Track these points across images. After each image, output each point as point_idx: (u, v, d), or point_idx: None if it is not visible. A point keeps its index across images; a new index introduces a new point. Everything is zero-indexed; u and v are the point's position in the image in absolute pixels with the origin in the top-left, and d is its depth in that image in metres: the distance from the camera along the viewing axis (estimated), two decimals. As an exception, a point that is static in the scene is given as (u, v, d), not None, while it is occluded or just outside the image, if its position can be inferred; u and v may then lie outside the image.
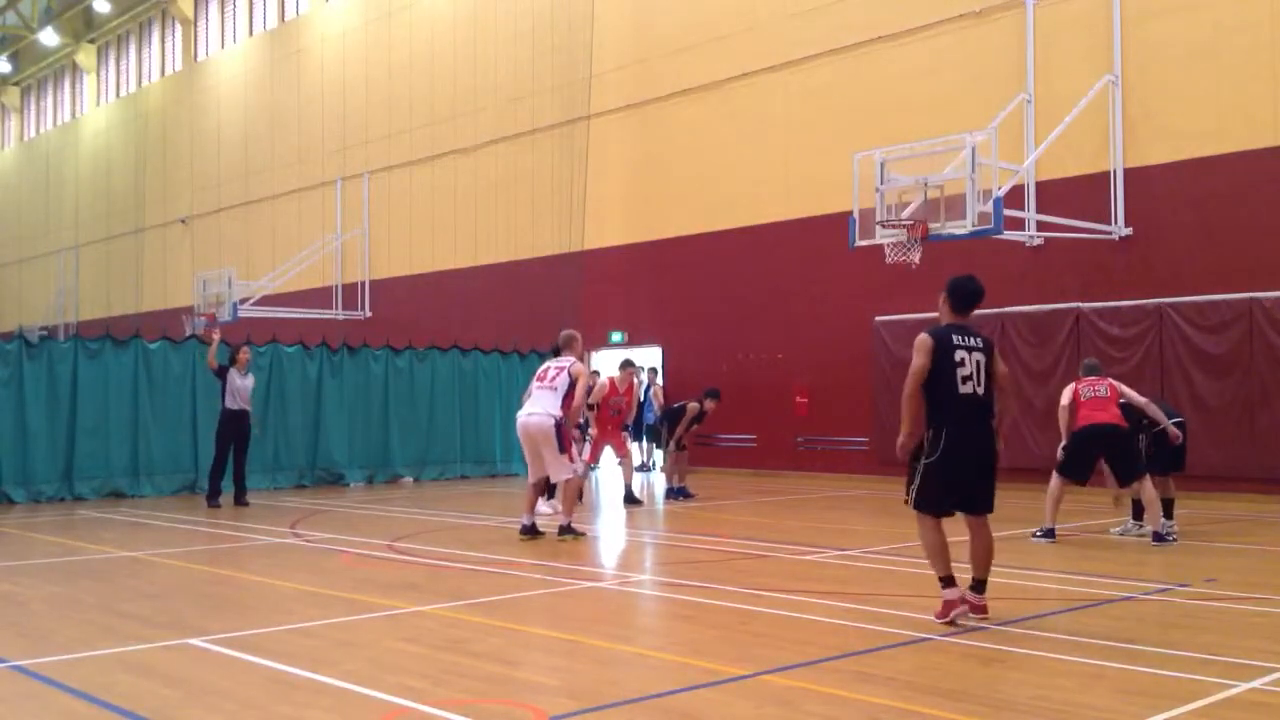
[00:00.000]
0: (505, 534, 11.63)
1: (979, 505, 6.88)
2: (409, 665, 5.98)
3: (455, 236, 26.75)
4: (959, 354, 6.74)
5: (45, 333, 35.37)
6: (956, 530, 6.97)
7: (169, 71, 38.96)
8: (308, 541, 11.47)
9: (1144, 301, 15.47)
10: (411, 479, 19.55)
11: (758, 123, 20.53)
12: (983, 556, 6.89)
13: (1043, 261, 16.63)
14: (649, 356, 21.91)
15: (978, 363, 6.79)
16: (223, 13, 36.38)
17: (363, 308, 28.18)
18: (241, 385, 15.07)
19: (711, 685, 5.46)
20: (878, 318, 18.32)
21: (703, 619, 7.15)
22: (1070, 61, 16.42)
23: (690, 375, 20.75)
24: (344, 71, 30.29)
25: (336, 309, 28.24)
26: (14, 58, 47.41)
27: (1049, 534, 10.73)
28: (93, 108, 43.25)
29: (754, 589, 7.98)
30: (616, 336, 23.05)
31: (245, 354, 15.40)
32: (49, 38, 42.74)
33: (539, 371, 11.53)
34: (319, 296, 28.77)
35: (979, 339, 6.90)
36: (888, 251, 14.96)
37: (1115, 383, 11.14)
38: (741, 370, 20.31)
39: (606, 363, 23.42)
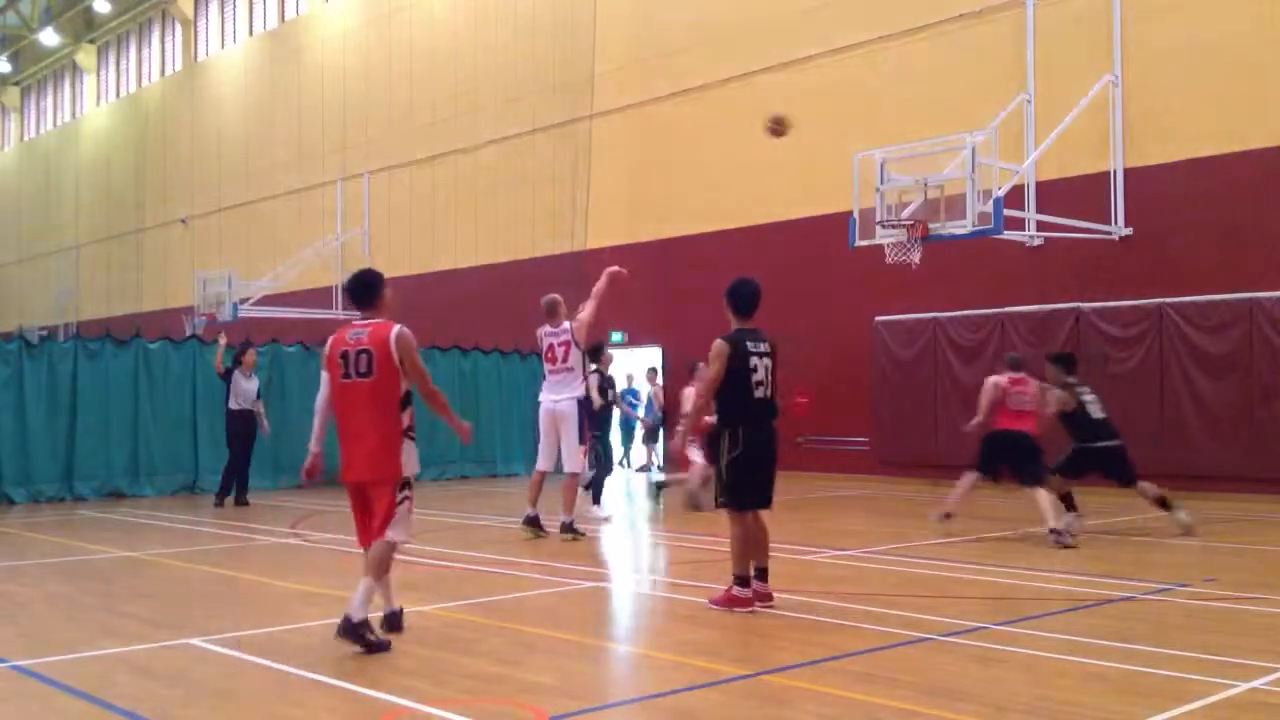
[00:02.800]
0: (505, 534, 11.63)
1: (768, 501, 7.36)
2: (409, 665, 5.98)
3: (455, 236, 26.75)
4: (752, 360, 7.14)
5: (45, 333, 35.40)
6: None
7: (169, 71, 38.96)
8: (308, 541, 11.47)
9: (1144, 301, 15.47)
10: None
11: (758, 123, 20.48)
12: (764, 546, 7.36)
13: (1043, 261, 16.62)
14: (649, 356, 21.90)
15: (766, 367, 7.21)
16: (223, 13, 36.39)
17: (363, 308, 28.15)
18: (246, 387, 15.12)
19: (711, 685, 5.46)
20: (878, 318, 18.32)
21: (703, 619, 7.14)
22: (1070, 61, 16.41)
23: (690, 376, 20.72)
24: (344, 72, 30.29)
25: (336, 309, 28.21)
26: (14, 58, 47.43)
27: (947, 517, 11.69)
28: (93, 108, 43.25)
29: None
30: (616, 336, 23.04)
31: (252, 356, 15.40)
32: (49, 38, 42.75)
33: (545, 352, 11.20)
34: (319, 296, 28.74)
35: (767, 343, 7.29)
36: (888, 251, 14.96)
37: (1038, 388, 11.51)
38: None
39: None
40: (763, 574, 7.33)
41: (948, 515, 11.72)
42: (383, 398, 6.35)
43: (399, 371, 6.37)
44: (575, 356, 10.98)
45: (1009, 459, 11.32)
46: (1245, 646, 6.12)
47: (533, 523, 11.18)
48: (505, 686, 5.48)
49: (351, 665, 5.90)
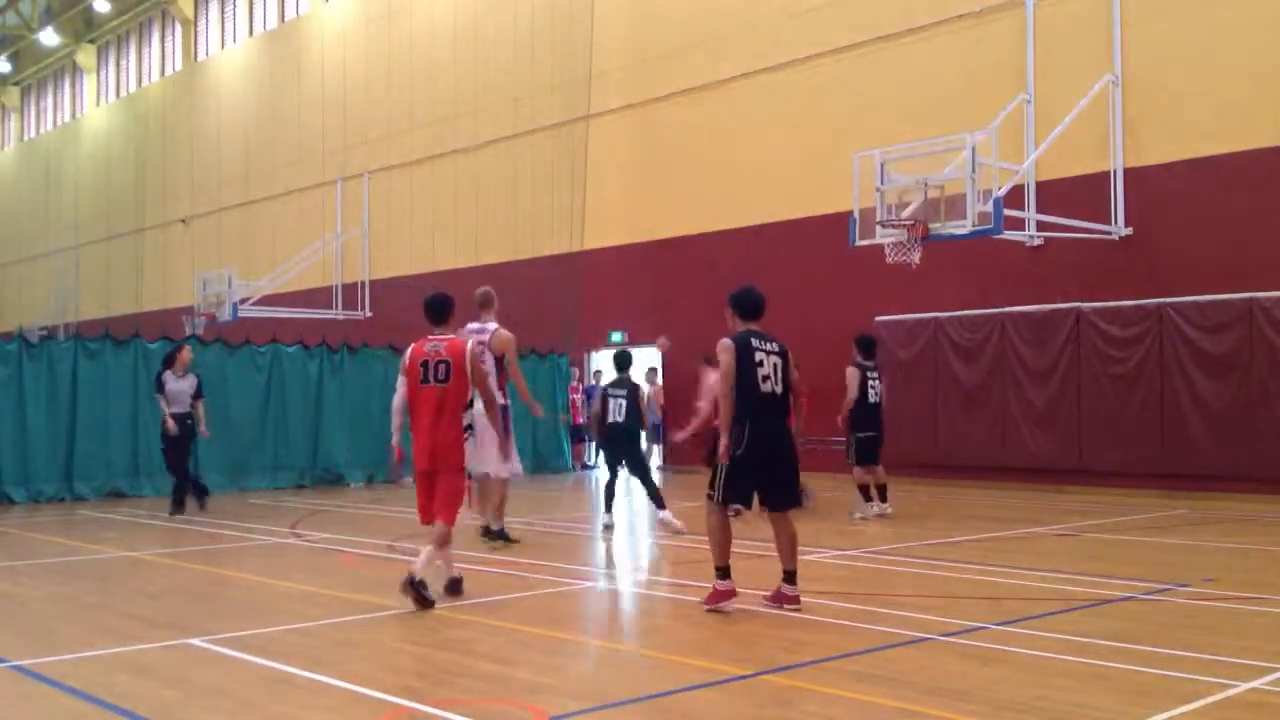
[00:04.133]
0: (505, 534, 11.60)
1: (780, 500, 7.35)
2: (409, 665, 5.98)
3: (455, 236, 26.74)
4: (758, 355, 7.22)
5: (45, 333, 35.35)
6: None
7: (169, 71, 38.96)
8: (308, 541, 11.48)
9: (1144, 301, 15.46)
10: (412, 479, 19.51)
11: (758, 123, 20.51)
12: (789, 548, 7.32)
13: (1043, 261, 16.62)
14: (649, 356, 21.87)
15: (775, 365, 7.28)
16: (223, 13, 36.39)
17: (363, 308, 28.17)
18: (176, 389, 14.09)
19: (711, 685, 5.46)
20: (878, 318, 18.30)
21: (703, 619, 7.14)
22: (1070, 61, 16.41)
23: (690, 375, 20.71)
24: (344, 71, 30.28)
25: (336, 309, 28.23)
26: (14, 58, 47.43)
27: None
28: (93, 108, 43.24)
29: (754, 589, 7.98)
30: (616, 336, 23.03)
31: (186, 354, 14.39)
32: (49, 38, 42.75)
33: None
34: (319, 296, 28.75)
35: (776, 344, 7.37)
36: (888, 251, 14.96)
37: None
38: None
39: (607, 363, 23.40)
40: (790, 577, 7.31)
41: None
42: (454, 401, 7.55)
43: (469, 380, 7.58)
44: (491, 360, 10.22)
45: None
46: (1245, 646, 6.12)
47: (497, 535, 10.56)
48: (505, 686, 5.48)
49: (351, 665, 5.91)
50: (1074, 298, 16.17)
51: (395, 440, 7.99)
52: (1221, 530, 11.75)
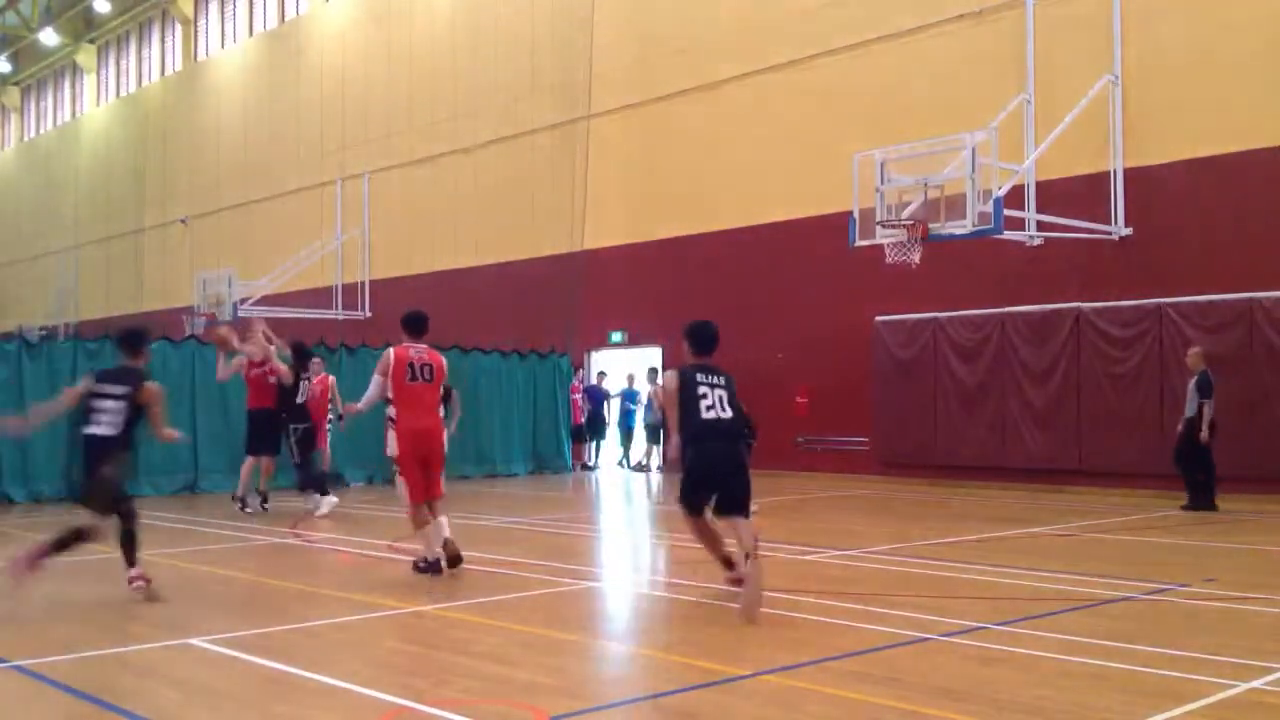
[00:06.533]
0: (505, 534, 11.63)
1: (728, 508, 7.71)
2: (409, 665, 5.98)
3: (455, 236, 26.73)
4: (701, 388, 7.83)
5: (45, 333, 35.36)
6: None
7: (169, 71, 38.97)
8: (308, 541, 11.48)
9: (1144, 301, 15.46)
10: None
11: (758, 123, 20.51)
12: (748, 539, 7.55)
13: (1043, 261, 16.62)
14: (649, 356, 21.91)
15: (720, 396, 7.89)
16: (223, 13, 36.39)
17: (363, 308, 28.16)
18: None
19: (711, 685, 5.46)
20: (878, 318, 18.32)
21: (703, 619, 7.15)
22: (1070, 61, 16.41)
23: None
24: (344, 72, 30.28)
25: (336, 309, 28.23)
26: (14, 58, 47.43)
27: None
28: (93, 108, 43.24)
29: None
30: (616, 336, 23.05)
31: None
32: (49, 38, 42.75)
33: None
34: (319, 296, 28.75)
35: (722, 376, 8.04)
36: (888, 251, 14.96)
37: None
38: (741, 370, 20.26)
39: (607, 363, 23.42)
40: (741, 560, 7.63)
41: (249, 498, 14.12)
42: (438, 397, 9.10)
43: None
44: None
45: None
46: (1245, 646, 6.12)
47: None
48: (505, 686, 5.48)
49: (351, 665, 5.91)
50: (1074, 298, 16.18)
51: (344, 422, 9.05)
52: (1221, 530, 11.75)
